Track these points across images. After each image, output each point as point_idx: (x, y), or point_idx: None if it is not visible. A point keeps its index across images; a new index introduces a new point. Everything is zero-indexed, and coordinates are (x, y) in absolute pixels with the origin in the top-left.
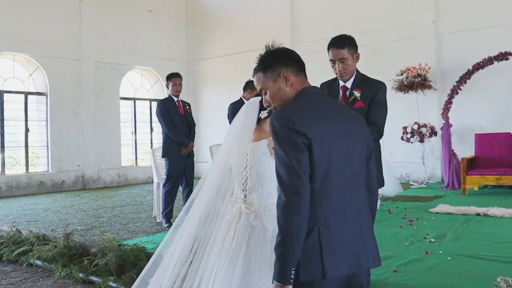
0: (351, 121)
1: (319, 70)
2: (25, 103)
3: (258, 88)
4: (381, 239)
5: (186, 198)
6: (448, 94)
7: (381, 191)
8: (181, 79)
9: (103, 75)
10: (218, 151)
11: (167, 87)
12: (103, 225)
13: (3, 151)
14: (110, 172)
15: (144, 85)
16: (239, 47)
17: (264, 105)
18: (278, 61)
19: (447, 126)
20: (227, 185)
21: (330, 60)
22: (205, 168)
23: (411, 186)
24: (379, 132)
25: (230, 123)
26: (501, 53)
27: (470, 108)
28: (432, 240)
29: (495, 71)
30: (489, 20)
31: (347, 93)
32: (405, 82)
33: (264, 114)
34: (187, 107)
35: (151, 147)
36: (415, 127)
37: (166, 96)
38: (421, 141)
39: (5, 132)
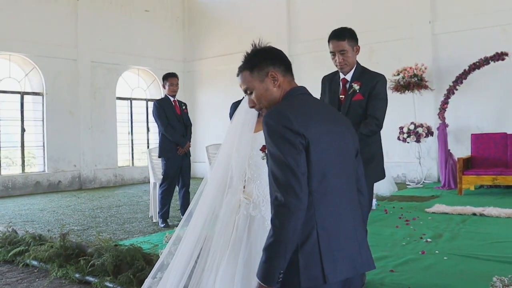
0: (341, 122)
1: (316, 70)
2: (21, 103)
3: (243, 87)
4: (377, 239)
5: (182, 198)
6: (445, 94)
7: (376, 190)
8: (178, 79)
9: (99, 75)
10: (220, 148)
11: (164, 87)
12: (100, 225)
13: None
14: (107, 172)
15: (141, 85)
16: (235, 47)
17: (249, 106)
18: (266, 60)
19: (443, 126)
20: (230, 181)
21: (330, 52)
22: (202, 168)
23: (408, 186)
24: (377, 125)
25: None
26: (497, 53)
27: (466, 108)
28: (429, 240)
29: (491, 71)
30: (485, 20)
31: (347, 85)
32: (402, 82)
33: None
34: (184, 107)
35: (148, 147)
36: (412, 127)
37: (163, 96)
38: (418, 141)
39: (1, 132)
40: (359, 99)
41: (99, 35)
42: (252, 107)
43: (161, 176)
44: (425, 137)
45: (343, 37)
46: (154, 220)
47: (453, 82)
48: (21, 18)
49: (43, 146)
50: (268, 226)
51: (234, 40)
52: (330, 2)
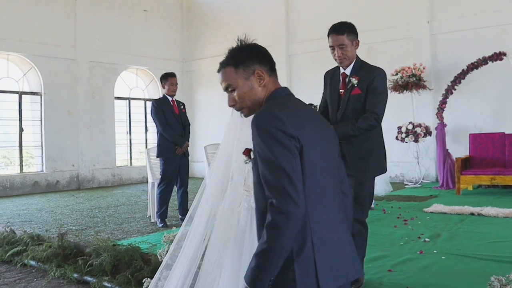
0: (324, 124)
1: (314, 70)
2: (19, 102)
3: (224, 84)
4: (375, 238)
5: (180, 198)
6: (443, 94)
7: None
8: (177, 79)
9: (97, 74)
10: (220, 147)
11: (164, 86)
12: (98, 225)
13: None
14: (105, 172)
15: (139, 85)
16: None
17: (228, 104)
18: (252, 57)
19: (441, 126)
20: (231, 177)
21: (330, 46)
22: (200, 168)
23: (406, 186)
24: (376, 119)
25: None
26: (495, 53)
27: (464, 108)
28: (427, 239)
29: (489, 71)
30: (483, 20)
31: (347, 80)
32: (400, 82)
33: None
34: (182, 107)
35: (146, 147)
36: (410, 127)
37: (161, 96)
38: (416, 141)
39: None
40: (357, 93)
41: (98, 34)
42: (232, 106)
43: (159, 176)
44: (423, 137)
45: (342, 31)
46: (152, 220)
47: (451, 82)
48: (19, 18)
49: (41, 146)
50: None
51: (233, 40)
52: (328, 2)
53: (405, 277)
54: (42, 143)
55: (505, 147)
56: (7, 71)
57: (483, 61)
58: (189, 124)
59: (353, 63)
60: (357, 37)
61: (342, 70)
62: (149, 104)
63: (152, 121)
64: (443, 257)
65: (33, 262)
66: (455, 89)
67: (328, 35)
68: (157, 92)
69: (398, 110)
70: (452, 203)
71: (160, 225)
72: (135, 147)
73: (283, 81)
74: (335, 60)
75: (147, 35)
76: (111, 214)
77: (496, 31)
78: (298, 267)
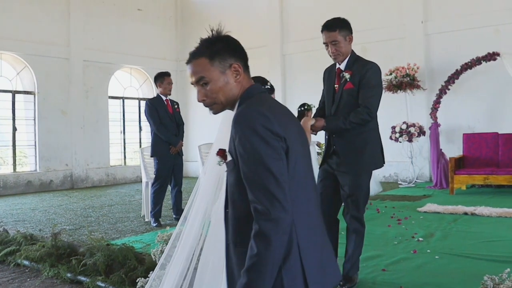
0: (297, 120)
1: (308, 69)
2: (12, 102)
3: (195, 77)
4: (369, 238)
5: (174, 197)
6: (437, 94)
7: None
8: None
9: (91, 74)
10: (213, 145)
11: (159, 86)
12: (91, 224)
13: None
14: (99, 172)
15: (133, 84)
16: None
17: (198, 99)
18: (229, 50)
19: (435, 125)
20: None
21: (324, 43)
22: (194, 168)
23: (400, 186)
24: (368, 113)
25: None
26: (489, 53)
27: (458, 108)
28: (420, 239)
29: (483, 71)
30: (477, 20)
31: (341, 75)
32: (394, 82)
33: None
34: (176, 106)
35: (140, 146)
36: (404, 126)
37: (155, 95)
38: (410, 140)
39: None
40: (349, 88)
41: (91, 34)
42: (201, 101)
43: (154, 176)
44: (417, 136)
45: (334, 27)
46: (146, 220)
47: (445, 82)
48: (13, 16)
49: (35, 145)
50: None
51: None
52: (322, 2)
53: (398, 277)
54: (35, 142)
55: (499, 147)
56: (0, 70)
57: (477, 61)
58: (183, 124)
59: (347, 58)
60: (351, 32)
61: (337, 66)
62: (143, 103)
63: (146, 120)
64: (436, 257)
65: (26, 262)
66: (449, 89)
67: (322, 32)
68: (151, 91)
69: (392, 110)
70: (445, 202)
71: (154, 224)
72: (129, 146)
73: (277, 81)
74: (330, 56)
75: (141, 34)
76: (105, 214)
77: (490, 32)
78: (286, 275)
